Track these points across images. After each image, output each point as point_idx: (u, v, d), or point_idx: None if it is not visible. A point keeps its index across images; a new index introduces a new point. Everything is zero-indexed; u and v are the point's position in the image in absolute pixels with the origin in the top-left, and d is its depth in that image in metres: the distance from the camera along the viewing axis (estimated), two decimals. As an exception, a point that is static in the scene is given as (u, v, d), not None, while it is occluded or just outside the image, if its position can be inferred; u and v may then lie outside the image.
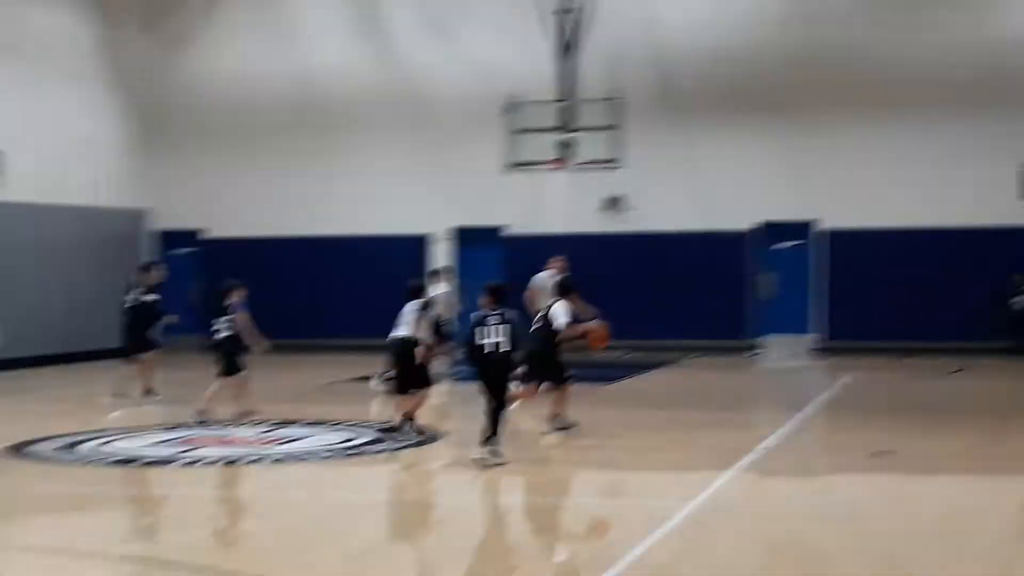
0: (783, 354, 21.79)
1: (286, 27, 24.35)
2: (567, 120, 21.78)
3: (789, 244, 22.74)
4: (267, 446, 12.15)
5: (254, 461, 11.37)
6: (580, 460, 11.79)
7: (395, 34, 23.98)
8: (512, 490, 10.55)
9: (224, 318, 13.95)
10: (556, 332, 12.44)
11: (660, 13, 22.86)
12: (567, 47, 22.03)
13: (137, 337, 16.06)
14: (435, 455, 12.21)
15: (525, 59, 22.93)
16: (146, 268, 16.75)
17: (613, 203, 23.05)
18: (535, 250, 22.55)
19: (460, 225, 23.74)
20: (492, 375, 11.07)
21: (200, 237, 24.70)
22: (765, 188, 22.55)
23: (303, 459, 11.49)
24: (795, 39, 22.42)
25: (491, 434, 10.97)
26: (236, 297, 14.07)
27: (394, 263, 22.22)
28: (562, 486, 10.81)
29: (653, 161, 22.75)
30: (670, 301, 21.48)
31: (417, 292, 12.78)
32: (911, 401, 15.81)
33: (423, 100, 23.78)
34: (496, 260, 22.93)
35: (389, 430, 12.65)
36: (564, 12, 22.09)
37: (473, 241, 23.65)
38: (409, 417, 12.57)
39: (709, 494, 9.88)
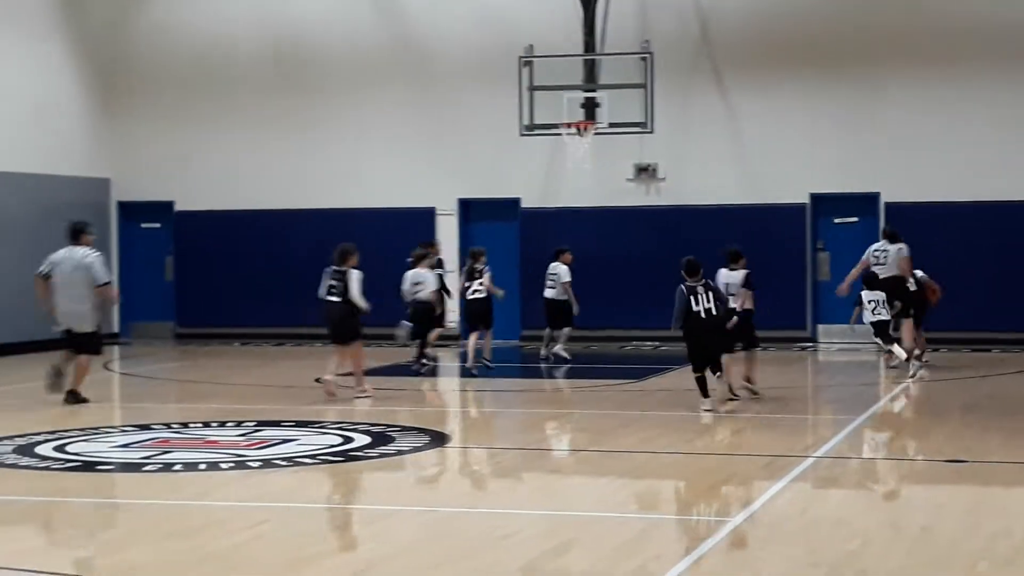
0: (842, 346, 21.76)
1: (267, -30, 24.30)
2: (591, 77, 21.74)
3: (846, 220, 22.66)
4: (249, 449, 12.18)
5: (234, 467, 11.39)
6: (607, 466, 11.80)
7: (393, -22, 23.94)
8: (517, 499, 10.56)
9: (477, 281, 18.12)
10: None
11: (698, -47, 22.78)
12: (591, -8, 21.96)
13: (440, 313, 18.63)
14: (442, 459, 12.24)
15: (542, 6, 22.88)
16: (430, 243, 19.34)
17: (644, 172, 23.01)
18: (555, 226, 22.65)
19: (469, 196, 23.71)
20: (708, 336, 14.17)
21: (172, 211, 24.68)
22: (818, 156, 22.47)
23: (291, 464, 11.51)
24: (855, -19, 22.33)
25: (704, 389, 14.23)
26: (483, 262, 18.40)
27: (392, 240, 22.17)
28: (576, 497, 10.80)
29: (689, 124, 22.69)
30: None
31: (736, 258, 15.33)
32: (990, 401, 15.77)
33: (425, 54, 23.73)
34: (511, 236, 22.90)
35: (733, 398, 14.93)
36: (588, -48, 22.01)
37: (483, 215, 23.63)
38: (749, 380, 15.33)
39: (758, 507, 9.88)
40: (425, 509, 10.12)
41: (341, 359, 15.83)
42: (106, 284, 15.37)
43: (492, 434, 14.08)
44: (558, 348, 19.69)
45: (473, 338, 18.35)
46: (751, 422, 14.21)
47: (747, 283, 15.42)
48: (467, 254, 19.85)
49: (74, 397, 15.27)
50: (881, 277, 17.99)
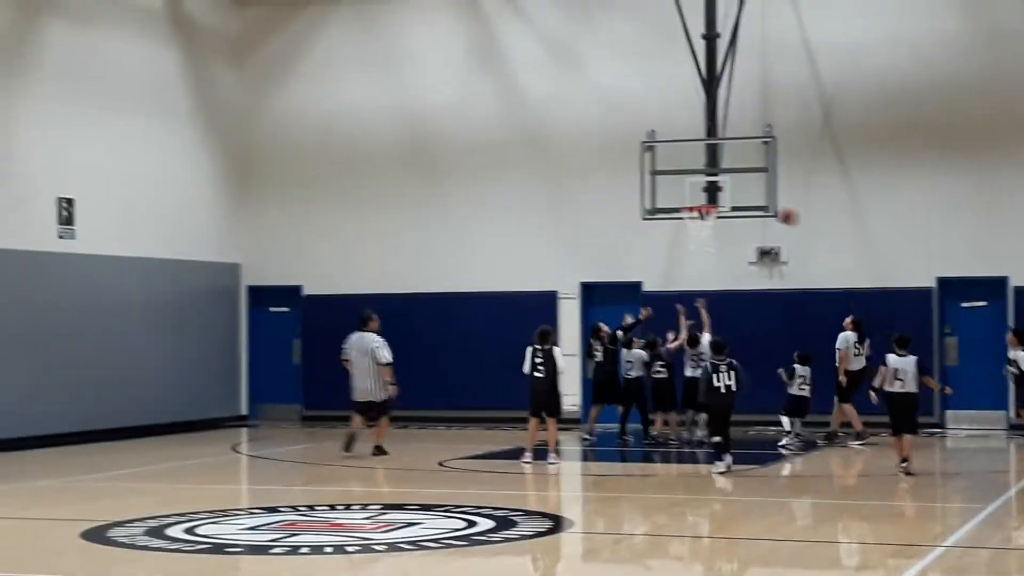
0: (970, 433, 21.33)
1: (392, 59, 24.78)
2: (713, 161, 21.77)
3: (974, 304, 22.32)
4: (375, 532, 12.27)
5: (360, 550, 11.47)
6: (731, 554, 11.68)
7: (516, 65, 24.25)
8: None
9: (659, 363, 20.03)
10: None
11: (819, 36, 22.78)
12: (713, 78, 22.05)
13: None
14: (565, 544, 12.21)
15: (664, 92, 23.02)
16: (597, 328, 20.48)
17: (766, 256, 22.90)
18: (676, 309, 22.59)
19: (590, 280, 23.78)
20: (722, 409, 16.37)
21: (300, 295, 25.07)
22: (944, 239, 22.22)
23: (416, 548, 11.56)
24: (978, 63, 22.14)
25: (721, 453, 16.29)
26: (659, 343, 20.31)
27: (515, 324, 22.30)
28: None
29: (811, 208, 22.55)
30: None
31: (904, 343, 16.28)
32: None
33: (549, 139, 23.97)
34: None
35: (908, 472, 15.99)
36: (709, 38, 22.13)
37: (605, 298, 23.66)
38: (902, 459, 16.12)
39: (887, 597, 9.71)
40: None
41: (535, 429, 17.66)
42: (388, 364, 18.21)
43: (615, 519, 14.02)
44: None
45: (663, 417, 20.33)
46: (877, 510, 13.99)
47: (921, 368, 16.22)
48: (591, 334, 20.51)
49: (379, 450, 18.35)
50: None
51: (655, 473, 18.15)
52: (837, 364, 19.45)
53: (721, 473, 16.11)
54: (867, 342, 19.57)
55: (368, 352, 18.24)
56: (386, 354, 18.26)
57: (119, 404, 21.92)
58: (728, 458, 16.29)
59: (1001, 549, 12.12)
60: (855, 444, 19.38)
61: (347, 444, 18.37)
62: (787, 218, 20.57)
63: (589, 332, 20.92)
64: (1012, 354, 18.65)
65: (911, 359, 16.17)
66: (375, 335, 18.43)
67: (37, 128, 20.93)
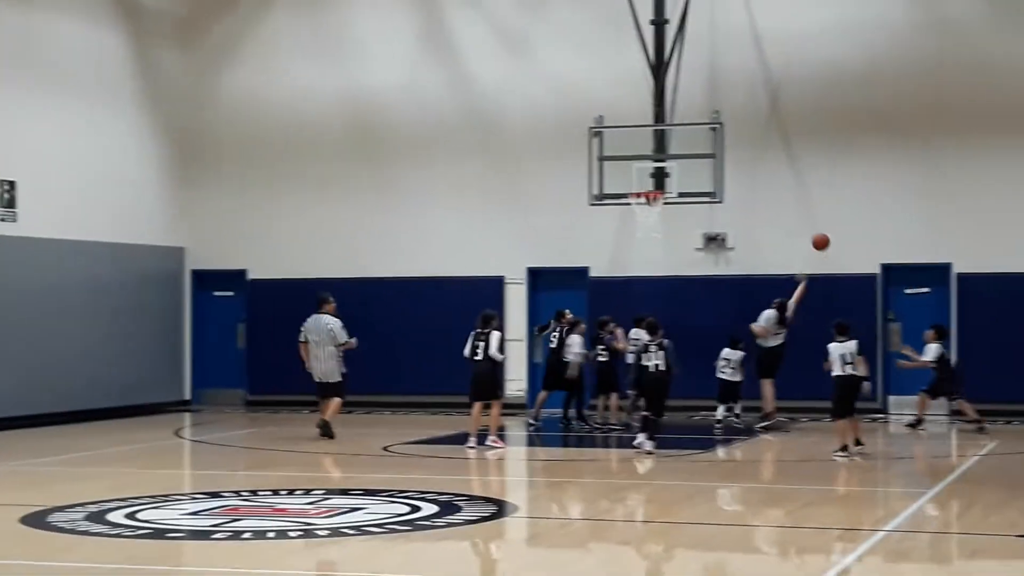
0: (911, 418, 21.50)
1: (341, 43, 24.64)
2: (660, 147, 21.80)
3: (917, 291, 22.48)
4: (318, 517, 12.22)
5: (302, 535, 11.42)
6: (675, 537, 11.72)
7: (464, 50, 24.18)
8: (583, 571, 10.49)
9: (600, 347, 19.92)
10: None
11: (767, 23, 22.84)
12: (661, 64, 22.07)
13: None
14: (509, 529, 12.21)
15: (613, 78, 23.01)
16: (562, 313, 20.37)
17: (713, 242, 22.98)
18: (623, 294, 22.65)
19: (537, 265, 23.77)
20: (653, 389, 16.68)
21: (245, 279, 24.92)
22: (888, 226, 22.36)
23: (359, 533, 11.53)
24: (924, 51, 22.28)
25: (647, 430, 16.65)
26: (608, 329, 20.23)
27: (463, 309, 22.27)
28: (644, 569, 10.73)
29: (757, 194, 22.67)
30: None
31: (843, 330, 16.51)
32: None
33: (495, 124, 23.92)
34: (580, 305, 22.85)
35: (843, 450, 16.42)
36: (658, 24, 22.15)
37: (552, 284, 23.66)
38: (856, 441, 16.61)
39: (828, 580, 9.76)
40: (491, 580, 10.08)
41: (478, 414, 17.57)
42: (346, 343, 18.65)
43: (559, 504, 14.03)
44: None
45: (608, 400, 20.35)
46: (819, 495, 14.07)
47: (860, 350, 16.58)
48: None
49: (325, 426, 18.42)
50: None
51: (598, 458, 18.19)
52: (755, 330, 20.12)
53: (639, 447, 16.65)
54: (786, 325, 20.26)
55: (325, 334, 18.53)
56: (343, 335, 18.61)
57: (61, 389, 21.73)
58: (650, 443, 16.58)
59: (942, 533, 12.22)
60: (759, 425, 19.87)
61: (325, 431, 18.52)
62: (822, 244, 20.43)
63: (552, 314, 20.72)
64: (926, 348, 19.72)
65: (852, 343, 16.49)
66: (331, 317, 18.70)
67: (-23, 109, 20.69)
